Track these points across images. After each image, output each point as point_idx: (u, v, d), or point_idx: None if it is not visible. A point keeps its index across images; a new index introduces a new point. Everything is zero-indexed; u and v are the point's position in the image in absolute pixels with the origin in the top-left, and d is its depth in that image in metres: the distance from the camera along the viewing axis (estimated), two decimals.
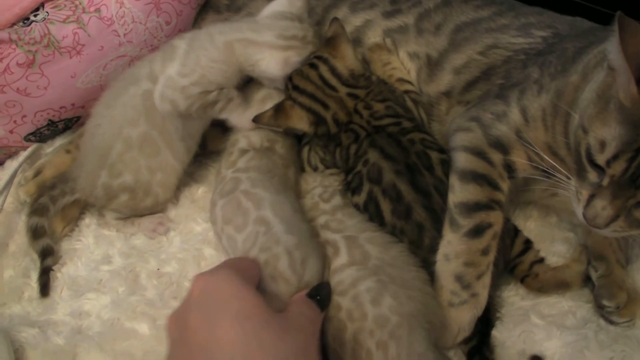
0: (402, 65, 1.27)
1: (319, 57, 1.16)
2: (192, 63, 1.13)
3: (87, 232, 1.19)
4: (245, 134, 1.17)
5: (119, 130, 1.12)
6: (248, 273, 0.83)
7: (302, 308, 0.82)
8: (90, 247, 1.17)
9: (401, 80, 1.25)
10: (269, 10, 1.21)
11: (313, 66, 1.16)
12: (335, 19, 1.19)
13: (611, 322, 1.02)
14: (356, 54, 1.20)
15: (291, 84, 1.16)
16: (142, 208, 1.17)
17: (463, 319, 0.97)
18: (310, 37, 1.18)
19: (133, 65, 1.21)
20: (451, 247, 0.99)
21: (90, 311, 1.08)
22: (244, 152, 1.15)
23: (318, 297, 0.86)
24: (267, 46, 1.15)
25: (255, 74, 1.19)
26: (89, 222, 1.20)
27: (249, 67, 1.17)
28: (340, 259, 0.95)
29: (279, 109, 1.14)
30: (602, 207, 0.86)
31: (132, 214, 1.18)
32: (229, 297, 0.72)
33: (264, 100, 1.20)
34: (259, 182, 1.07)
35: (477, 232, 0.99)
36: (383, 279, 0.90)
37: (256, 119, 1.14)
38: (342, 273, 0.93)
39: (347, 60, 1.16)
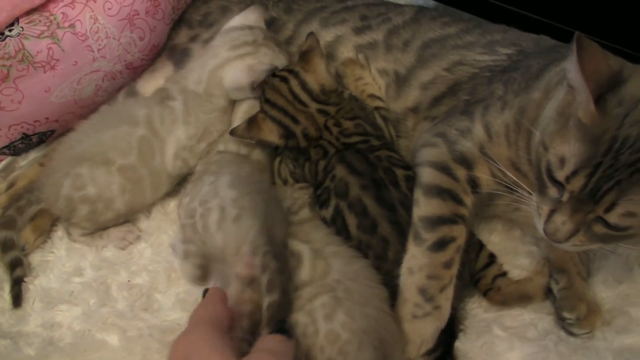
0: (374, 82, 1.28)
1: (290, 71, 1.18)
2: (194, 121, 1.21)
3: (59, 245, 1.20)
4: (226, 140, 1.21)
5: (105, 152, 1.16)
6: (222, 323, 0.84)
7: (269, 345, 0.81)
8: (62, 260, 1.18)
9: (372, 96, 1.26)
10: (224, 28, 1.27)
11: (284, 80, 1.17)
12: (312, 33, 1.21)
13: (571, 334, 1.04)
14: (329, 69, 1.22)
15: (264, 96, 1.18)
16: (103, 222, 1.18)
17: (426, 331, 0.99)
18: (261, 40, 1.23)
19: (127, 103, 1.28)
20: (415, 260, 1.01)
21: (62, 322, 1.09)
22: (220, 152, 1.20)
23: (285, 330, 0.86)
24: (226, 62, 1.21)
25: (231, 93, 1.23)
26: (61, 235, 1.21)
27: (225, 91, 1.22)
28: (302, 274, 0.96)
29: (251, 121, 1.16)
30: (562, 222, 0.88)
31: (95, 228, 1.19)
32: None
33: (249, 112, 1.23)
34: (226, 163, 1.13)
35: (440, 245, 1.01)
36: (339, 295, 0.92)
37: (231, 132, 1.16)
38: (302, 290, 0.94)
39: (318, 74, 1.17)
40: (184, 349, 0.76)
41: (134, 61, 1.31)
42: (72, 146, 1.18)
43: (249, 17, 1.27)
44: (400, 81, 1.25)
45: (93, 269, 1.16)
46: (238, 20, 1.27)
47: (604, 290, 1.09)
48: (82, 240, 1.20)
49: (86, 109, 1.31)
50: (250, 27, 1.24)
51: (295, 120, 1.15)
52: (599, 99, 0.84)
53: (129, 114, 1.20)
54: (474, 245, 1.10)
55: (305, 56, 1.18)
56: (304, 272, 0.96)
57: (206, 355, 0.74)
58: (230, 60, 1.21)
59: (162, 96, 1.23)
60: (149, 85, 1.34)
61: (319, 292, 0.92)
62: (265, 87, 1.18)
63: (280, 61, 1.24)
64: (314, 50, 1.18)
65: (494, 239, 1.18)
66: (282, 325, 0.86)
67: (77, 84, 1.25)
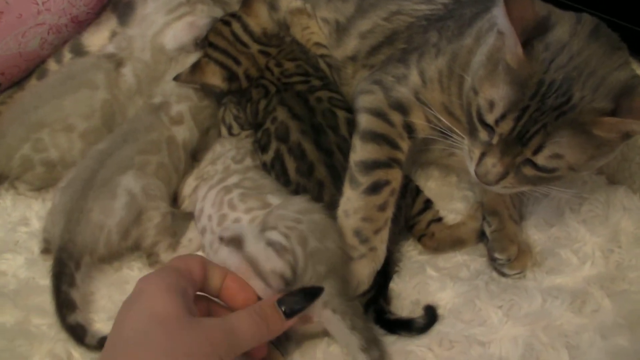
0: (320, 30, 1.30)
1: (232, 15, 1.22)
2: (147, 91, 1.24)
3: (5, 195, 1.20)
4: (162, 92, 1.22)
5: (65, 117, 1.15)
6: (189, 275, 0.82)
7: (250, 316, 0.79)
8: (8, 210, 1.19)
9: (318, 44, 1.28)
10: None
11: (226, 23, 1.21)
12: None
13: (503, 274, 1.06)
14: (271, 15, 1.25)
15: (207, 41, 1.21)
16: (55, 180, 1.17)
17: (362, 272, 1.00)
18: None
19: (79, 64, 1.24)
20: (350, 203, 1.03)
21: (7, 271, 1.10)
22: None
23: (283, 309, 0.82)
24: (165, 26, 1.23)
25: (174, 54, 1.24)
26: (7, 186, 1.21)
27: (168, 55, 1.24)
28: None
29: (195, 66, 1.19)
30: (492, 164, 0.90)
31: (44, 186, 1.19)
32: (149, 297, 0.75)
33: None
34: None
35: (374, 189, 1.03)
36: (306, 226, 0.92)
37: (176, 77, 1.18)
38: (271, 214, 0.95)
39: (260, 18, 1.21)
40: (140, 285, 0.78)
41: (79, 15, 1.32)
42: (26, 111, 1.17)
43: None
44: (340, 30, 1.27)
45: (39, 220, 1.16)
46: None
47: (536, 233, 1.11)
48: (29, 195, 1.20)
49: (32, 63, 1.32)
50: None
51: (237, 61, 1.18)
52: (527, 43, 0.85)
53: (86, 78, 1.20)
54: (411, 191, 1.11)
55: (246, 2, 1.22)
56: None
57: (154, 294, 0.75)
58: (169, 23, 1.23)
59: (116, 62, 1.23)
60: (93, 38, 1.33)
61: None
62: (209, 32, 1.21)
63: (217, 13, 1.26)
64: None
65: (431, 184, 1.20)
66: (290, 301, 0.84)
67: (22, 36, 1.26)
